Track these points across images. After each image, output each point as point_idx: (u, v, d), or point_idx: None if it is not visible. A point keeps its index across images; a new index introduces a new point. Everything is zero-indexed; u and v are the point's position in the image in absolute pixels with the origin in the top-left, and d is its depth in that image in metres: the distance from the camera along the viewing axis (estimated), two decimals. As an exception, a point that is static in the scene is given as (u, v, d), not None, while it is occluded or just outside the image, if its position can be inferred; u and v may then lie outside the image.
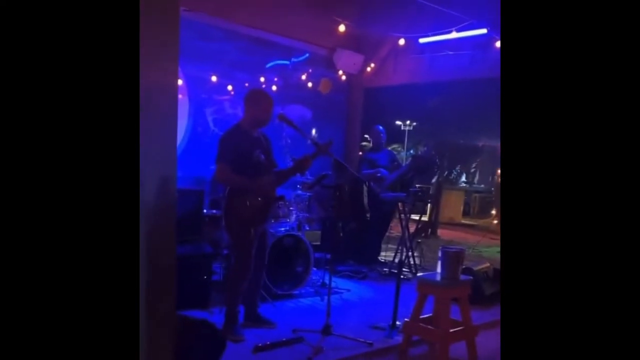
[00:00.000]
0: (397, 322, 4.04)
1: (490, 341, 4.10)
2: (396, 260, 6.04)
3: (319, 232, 6.38)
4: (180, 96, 5.87)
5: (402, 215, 6.09)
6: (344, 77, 7.49)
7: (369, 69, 7.47)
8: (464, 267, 4.12)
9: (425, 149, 15.20)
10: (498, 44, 6.26)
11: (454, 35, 6.46)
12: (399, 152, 15.23)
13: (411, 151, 15.04)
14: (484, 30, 6.37)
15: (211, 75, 6.21)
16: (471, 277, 4.09)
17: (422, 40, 6.91)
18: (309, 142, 4.04)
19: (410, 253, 6.13)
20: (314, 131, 5.57)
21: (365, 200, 6.22)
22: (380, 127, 6.65)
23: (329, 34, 6.46)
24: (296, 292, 4.85)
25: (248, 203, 3.70)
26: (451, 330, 3.58)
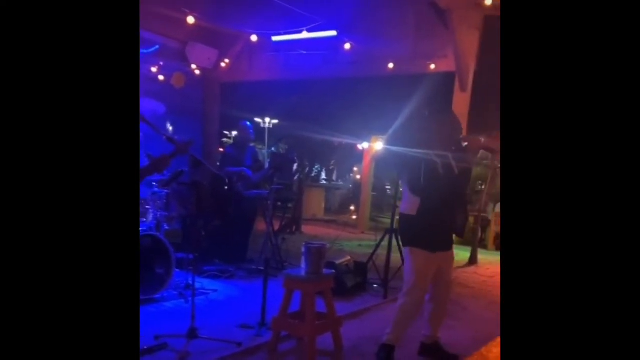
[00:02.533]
0: (266, 320, 3.97)
1: (353, 331, 4.22)
2: (263, 257, 5.98)
3: (180, 231, 6.11)
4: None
5: (267, 213, 6.05)
6: (198, 72, 7.26)
7: (223, 64, 7.33)
8: (326, 261, 4.20)
9: (287, 147, 15.38)
10: (347, 45, 6.49)
11: (305, 35, 6.59)
12: (260, 149, 15.23)
13: (272, 148, 15.10)
14: (333, 32, 6.57)
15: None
16: (334, 271, 4.19)
17: (275, 39, 6.96)
18: (164, 137, 3.81)
19: (276, 250, 6.11)
20: (169, 126, 5.32)
21: (228, 197, 6.08)
22: (248, 123, 6.54)
23: (179, 26, 6.22)
24: (158, 295, 4.58)
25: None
26: (317, 323, 3.62)
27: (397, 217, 10.14)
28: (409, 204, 3.52)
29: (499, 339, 1.81)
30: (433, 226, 3.44)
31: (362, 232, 11.22)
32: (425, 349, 3.72)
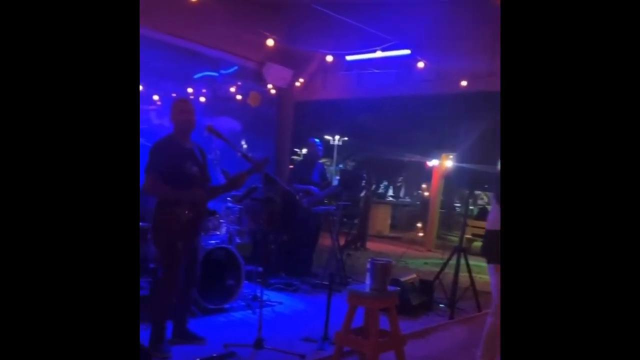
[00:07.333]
0: (329, 334, 4.05)
1: (418, 350, 4.21)
2: (327, 272, 6.08)
3: (250, 244, 6.33)
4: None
5: (332, 228, 6.14)
6: (273, 91, 7.50)
7: (298, 83, 7.53)
8: (391, 278, 4.21)
9: (354, 164, 15.48)
10: (420, 64, 6.51)
11: (379, 54, 6.65)
12: (328, 166, 15.42)
13: (340, 165, 15.26)
14: (407, 51, 6.59)
15: (136, 85, 6.03)
16: (399, 288, 4.18)
17: (349, 58, 7.06)
18: (239, 154, 4.00)
19: (340, 265, 6.18)
20: (244, 144, 5.54)
21: (296, 213, 6.23)
22: (317, 141, 6.69)
23: (257, 48, 6.47)
24: (227, 306, 4.76)
25: (178, 216, 3.61)
26: (380, 340, 3.64)
27: (467, 236, 9.88)
28: (494, 220, 3.48)
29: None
30: None
31: (429, 250, 11.08)
32: None
